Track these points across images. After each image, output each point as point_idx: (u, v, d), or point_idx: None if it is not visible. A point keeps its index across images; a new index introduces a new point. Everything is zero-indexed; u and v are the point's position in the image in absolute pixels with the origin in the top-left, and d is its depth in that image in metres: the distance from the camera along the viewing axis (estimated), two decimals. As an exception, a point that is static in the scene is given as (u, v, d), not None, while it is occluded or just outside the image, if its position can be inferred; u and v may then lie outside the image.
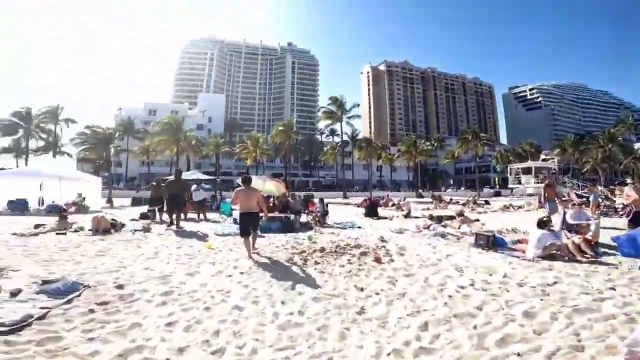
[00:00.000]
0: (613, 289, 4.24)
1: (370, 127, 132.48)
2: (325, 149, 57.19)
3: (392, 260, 6.06)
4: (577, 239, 6.63)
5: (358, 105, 43.21)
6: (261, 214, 6.74)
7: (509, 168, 48.54)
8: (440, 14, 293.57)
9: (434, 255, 6.46)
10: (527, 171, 42.80)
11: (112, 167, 51.79)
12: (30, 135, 37.44)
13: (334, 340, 3.06)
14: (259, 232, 8.81)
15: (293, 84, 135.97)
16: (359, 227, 10.34)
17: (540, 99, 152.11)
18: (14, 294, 3.65)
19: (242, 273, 5.21)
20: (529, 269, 5.29)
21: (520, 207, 19.25)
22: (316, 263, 5.86)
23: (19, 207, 14.14)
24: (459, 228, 9.06)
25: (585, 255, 6.00)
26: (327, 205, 11.78)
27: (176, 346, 2.82)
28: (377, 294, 4.34)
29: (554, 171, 42.16)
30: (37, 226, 8.92)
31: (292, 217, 10.07)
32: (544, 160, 52.14)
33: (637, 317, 3.34)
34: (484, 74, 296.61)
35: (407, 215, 13.74)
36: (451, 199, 25.39)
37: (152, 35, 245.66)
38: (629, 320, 3.30)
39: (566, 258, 5.87)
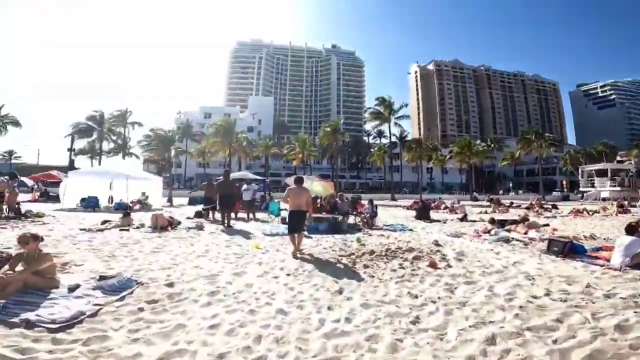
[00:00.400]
0: None
1: (419, 128, 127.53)
2: (372, 150, 56.24)
3: (450, 266, 5.53)
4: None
5: (406, 105, 41.84)
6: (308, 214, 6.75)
7: (580, 170, 43.96)
8: (493, 13, 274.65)
9: (498, 261, 5.79)
10: (601, 173, 38.44)
11: (173, 168, 55.79)
12: (103, 137, 41.37)
13: (384, 353, 2.72)
14: (306, 233, 8.85)
15: (339, 85, 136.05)
16: (411, 230, 9.78)
17: (614, 96, 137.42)
18: (72, 289, 3.79)
19: (288, 275, 5.05)
20: (616, 279, 4.50)
21: (595, 212, 17.09)
22: (365, 266, 5.52)
23: (90, 204, 15.52)
24: (525, 233, 8.14)
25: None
26: (376, 206, 11.34)
27: (217, 352, 2.68)
28: (434, 302, 3.91)
29: (632, 173, 37.46)
30: (103, 222, 9.62)
31: (340, 218, 9.80)
32: (619, 162, 46.69)
33: None
34: (547, 72, 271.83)
35: (463, 219, 12.79)
36: (512, 203, 23.36)
37: (204, 39, 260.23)
38: None
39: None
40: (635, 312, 3.27)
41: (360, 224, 10.49)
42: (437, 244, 7.41)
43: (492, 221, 9.13)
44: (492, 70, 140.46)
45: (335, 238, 8.24)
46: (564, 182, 56.16)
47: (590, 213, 16.50)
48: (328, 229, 9.05)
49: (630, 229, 5.48)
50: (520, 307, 3.61)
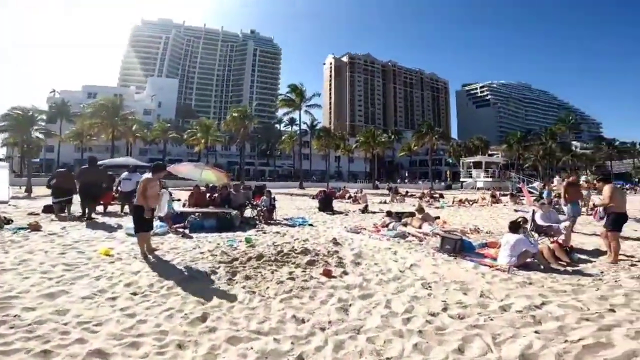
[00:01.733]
0: (613, 310, 3.36)
1: (330, 117, 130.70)
2: (283, 137, 55.49)
3: (346, 273, 4.86)
4: (550, 244, 5.93)
5: (319, 94, 41.99)
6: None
7: (461, 162, 50.27)
8: (405, 7, 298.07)
9: (395, 264, 5.36)
10: (477, 165, 44.49)
11: (43, 152, 46.05)
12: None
13: None
14: (186, 231, 7.40)
15: (254, 71, 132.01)
16: (311, 225, 9.08)
17: (489, 96, 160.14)
18: None
19: (134, 294, 3.73)
20: (507, 284, 4.34)
21: (474, 201, 19.19)
22: (247, 278, 4.50)
23: None
24: (420, 227, 8.13)
25: (560, 263, 5.25)
26: (274, 198, 10.37)
27: None
28: (323, 329, 3.12)
29: (501, 166, 44.25)
30: None
31: (233, 213, 8.54)
32: (490, 155, 54.84)
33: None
34: (441, 71, 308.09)
35: (365, 210, 12.75)
36: (407, 192, 25.11)
37: (97, 14, 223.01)
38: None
39: (542, 267, 5.05)
40: (537, 333, 2.92)
41: (256, 219, 9.39)
42: (335, 242, 6.79)
43: (390, 214, 8.99)
44: (398, 66, 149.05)
45: (222, 237, 7.00)
46: (448, 173, 63.88)
47: (471, 203, 18.43)
48: (215, 226, 7.74)
49: (514, 227, 5.56)
50: (420, 331, 3.03)
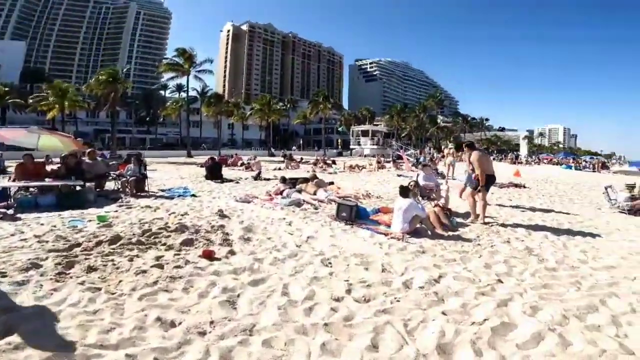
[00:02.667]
0: (500, 281, 3.40)
1: (224, 85, 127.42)
2: (168, 104, 49.63)
3: (233, 253, 4.04)
4: (434, 207, 6.17)
5: (211, 61, 38.24)
6: None
7: (351, 130, 53.04)
8: None
9: (291, 237, 4.75)
10: (365, 134, 47.58)
11: None
12: None
13: None
14: (10, 212, 5.41)
15: (134, 35, 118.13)
16: (194, 196, 7.81)
17: (377, 72, 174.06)
18: None
19: None
20: (404, 254, 4.17)
21: (363, 167, 20.21)
22: (90, 269, 3.31)
23: None
24: (314, 193, 7.74)
25: (444, 227, 5.42)
26: (144, 166, 8.61)
27: None
28: (203, 333, 2.30)
29: (384, 134, 48.33)
30: None
31: (83, 185, 6.62)
32: (376, 124, 59.47)
33: (567, 332, 2.37)
34: (338, 46, 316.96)
35: (258, 177, 11.86)
36: (302, 159, 25.08)
37: None
38: (562, 343, 2.27)
39: (429, 232, 5.12)
40: (444, 315, 2.66)
41: (121, 192, 7.61)
42: (221, 214, 5.84)
43: (284, 180, 8.38)
44: (298, 38, 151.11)
45: (64, 217, 5.30)
46: (339, 141, 67.16)
47: (360, 168, 19.36)
48: (56, 203, 5.84)
49: (405, 191, 5.48)
50: (326, 324, 2.47)
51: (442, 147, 41.56)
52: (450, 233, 5.22)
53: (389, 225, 5.33)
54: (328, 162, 22.40)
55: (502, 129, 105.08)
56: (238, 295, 2.95)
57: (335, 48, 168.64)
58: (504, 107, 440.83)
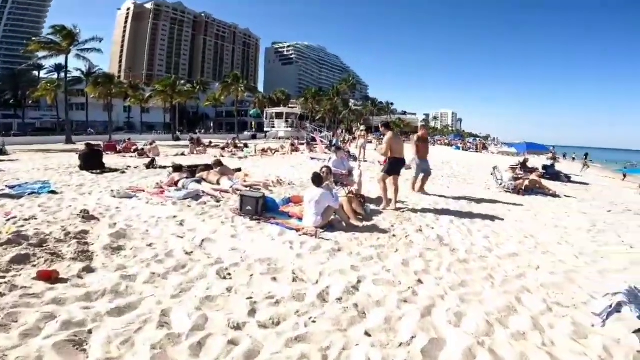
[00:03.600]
0: (420, 281, 3.09)
1: (120, 66, 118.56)
2: (40, 85, 41.40)
3: (90, 270, 2.99)
4: (347, 195, 5.80)
5: (100, 39, 32.19)
6: None
7: (265, 112, 51.38)
8: None
9: (180, 242, 3.81)
10: (279, 116, 46.54)
11: None
12: None
13: None
14: None
15: (2, 11, 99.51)
16: (52, 192, 6.07)
17: (293, 55, 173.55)
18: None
19: None
20: (318, 255, 3.63)
21: (276, 150, 19.41)
22: None
23: None
24: (217, 183, 6.75)
25: (358, 217, 5.06)
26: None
27: None
28: None
29: (298, 116, 48.05)
30: None
31: None
32: (291, 107, 58.89)
33: (496, 345, 2.06)
34: (256, 27, 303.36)
35: (151, 165, 10.13)
36: (210, 142, 23.11)
37: None
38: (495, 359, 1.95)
39: (343, 224, 4.69)
40: (368, 336, 2.19)
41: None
42: (86, 216, 4.52)
43: (178, 168, 7.14)
44: (212, 18, 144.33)
45: None
46: (253, 123, 64.86)
47: (273, 152, 18.51)
48: None
49: (318, 179, 4.94)
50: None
51: (354, 129, 43.02)
52: (365, 223, 4.88)
53: (300, 218, 4.74)
54: (239, 145, 21.01)
55: (404, 113, 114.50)
56: (89, 332, 2.05)
57: (253, 30, 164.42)
58: (406, 92, 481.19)
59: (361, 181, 6.82)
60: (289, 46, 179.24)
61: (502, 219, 5.78)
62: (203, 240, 3.89)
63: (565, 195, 9.34)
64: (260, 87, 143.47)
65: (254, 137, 44.12)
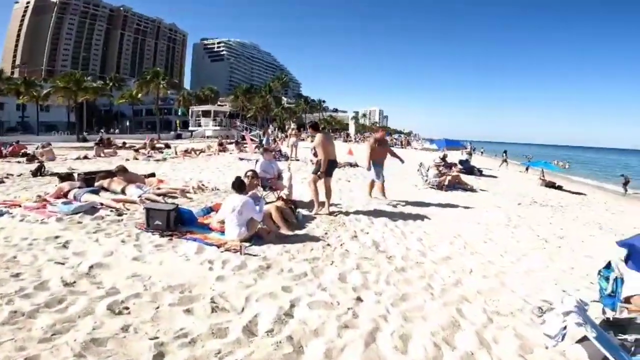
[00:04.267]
0: (360, 299, 2.76)
1: (14, 61, 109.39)
2: None
3: None
4: (276, 201, 5.33)
5: None
6: None
7: (190, 111, 48.14)
8: None
9: (58, 270, 2.94)
10: (206, 114, 43.97)
11: None
12: None
13: None
14: None
15: None
16: None
17: (224, 52, 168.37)
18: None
19: None
20: (243, 277, 3.07)
21: (202, 151, 18.00)
22: None
23: None
24: (122, 192, 5.71)
25: (289, 226, 4.58)
26: None
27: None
28: None
29: (227, 114, 46.02)
30: None
31: None
32: (220, 105, 56.23)
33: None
34: (184, 22, 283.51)
35: (39, 172, 8.29)
36: (124, 143, 20.61)
37: None
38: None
39: (274, 235, 4.17)
40: None
41: None
42: None
43: (67, 177, 5.86)
44: (132, 12, 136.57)
45: None
46: (177, 122, 60.48)
47: (197, 152, 17.09)
48: None
49: (240, 186, 4.30)
50: None
51: (286, 127, 42.46)
52: (297, 232, 4.44)
53: (223, 232, 4.11)
54: (158, 146, 19.06)
55: (336, 111, 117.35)
56: None
57: (180, 26, 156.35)
58: (338, 90, 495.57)
59: (291, 184, 6.37)
60: (219, 42, 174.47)
61: (430, 218, 5.85)
62: (92, 266, 3.07)
63: (481, 189, 10.06)
64: (188, 84, 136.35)
65: (178, 136, 41.02)
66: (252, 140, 20.96)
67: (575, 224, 6.90)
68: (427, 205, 6.99)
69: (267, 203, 4.94)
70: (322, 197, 5.59)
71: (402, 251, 4.03)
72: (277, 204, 4.92)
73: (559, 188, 13.50)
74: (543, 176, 15.53)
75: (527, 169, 20.76)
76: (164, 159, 13.79)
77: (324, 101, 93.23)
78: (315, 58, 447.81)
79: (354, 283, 3.05)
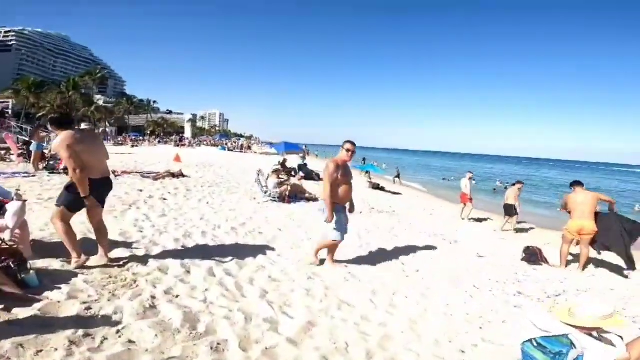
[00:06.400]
0: None
1: None
2: None
3: None
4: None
5: None
6: None
7: None
8: None
9: None
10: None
11: None
12: None
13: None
14: None
15: None
16: None
17: (13, 42, 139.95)
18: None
19: None
20: None
21: None
22: None
23: None
24: None
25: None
26: None
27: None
28: None
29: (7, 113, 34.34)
30: None
31: None
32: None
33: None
34: None
35: None
36: None
37: None
38: None
39: None
40: None
41: None
42: None
43: None
44: None
45: None
46: None
47: None
48: None
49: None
50: None
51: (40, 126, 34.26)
52: (25, 312, 2.09)
53: None
54: None
55: (170, 112, 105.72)
56: None
57: None
58: (173, 90, 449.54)
59: (24, 222, 3.37)
60: (7, 31, 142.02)
61: (274, 249, 4.40)
62: None
63: (322, 199, 9.36)
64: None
65: None
66: (18, 147, 13.09)
67: (411, 234, 6.80)
68: (268, 227, 5.54)
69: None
70: (79, 239, 3.20)
71: (239, 331, 2.29)
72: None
73: (382, 189, 14.69)
74: (370, 178, 16.82)
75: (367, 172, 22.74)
76: None
77: (154, 101, 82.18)
78: (150, 59, 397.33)
79: None
